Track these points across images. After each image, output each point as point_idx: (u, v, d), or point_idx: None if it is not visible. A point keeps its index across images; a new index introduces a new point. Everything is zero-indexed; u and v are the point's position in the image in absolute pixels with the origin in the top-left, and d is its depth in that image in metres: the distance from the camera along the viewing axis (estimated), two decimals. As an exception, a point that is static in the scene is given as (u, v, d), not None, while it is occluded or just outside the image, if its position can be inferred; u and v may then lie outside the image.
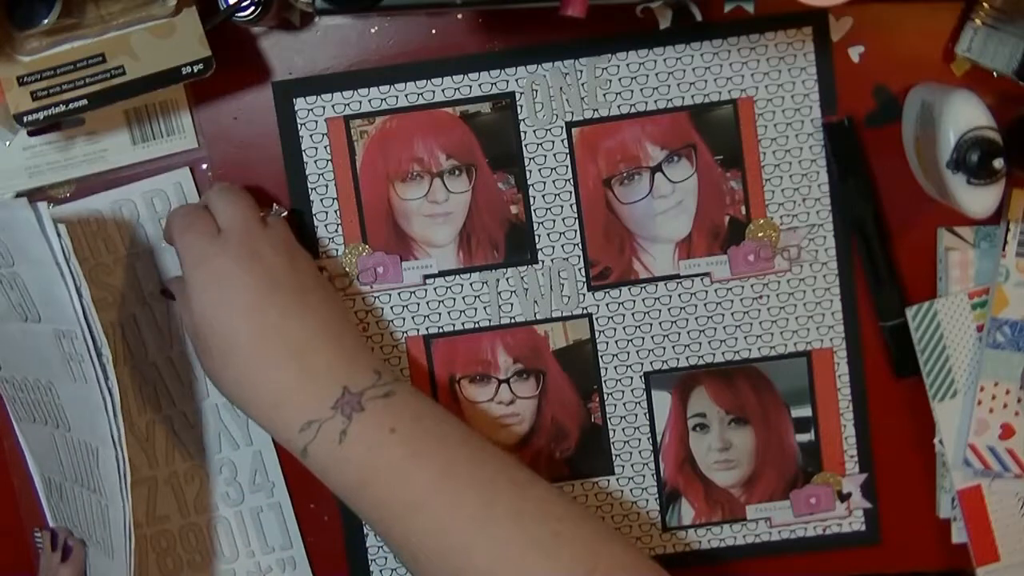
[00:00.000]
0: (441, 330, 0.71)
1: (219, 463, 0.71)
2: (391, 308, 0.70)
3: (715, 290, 0.70)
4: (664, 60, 0.68)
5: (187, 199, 0.69)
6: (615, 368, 0.71)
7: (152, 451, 0.70)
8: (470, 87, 0.69)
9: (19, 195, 0.68)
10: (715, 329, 0.71)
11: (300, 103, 0.69)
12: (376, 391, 0.61)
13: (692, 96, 0.69)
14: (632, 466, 0.72)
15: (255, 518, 0.72)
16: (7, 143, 0.68)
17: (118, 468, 0.62)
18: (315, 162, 0.69)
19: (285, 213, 0.67)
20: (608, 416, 0.71)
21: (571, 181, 0.69)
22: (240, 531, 0.72)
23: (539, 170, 0.69)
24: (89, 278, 0.62)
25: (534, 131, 0.69)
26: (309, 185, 0.69)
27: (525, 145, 0.69)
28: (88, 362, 0.61)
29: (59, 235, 0.60)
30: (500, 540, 0.58)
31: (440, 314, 0.70)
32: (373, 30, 0.68)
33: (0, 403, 0.71)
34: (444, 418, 0.62)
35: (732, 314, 0.70)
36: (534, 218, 0.70)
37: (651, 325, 0.71)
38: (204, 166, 0.69)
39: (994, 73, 0.67)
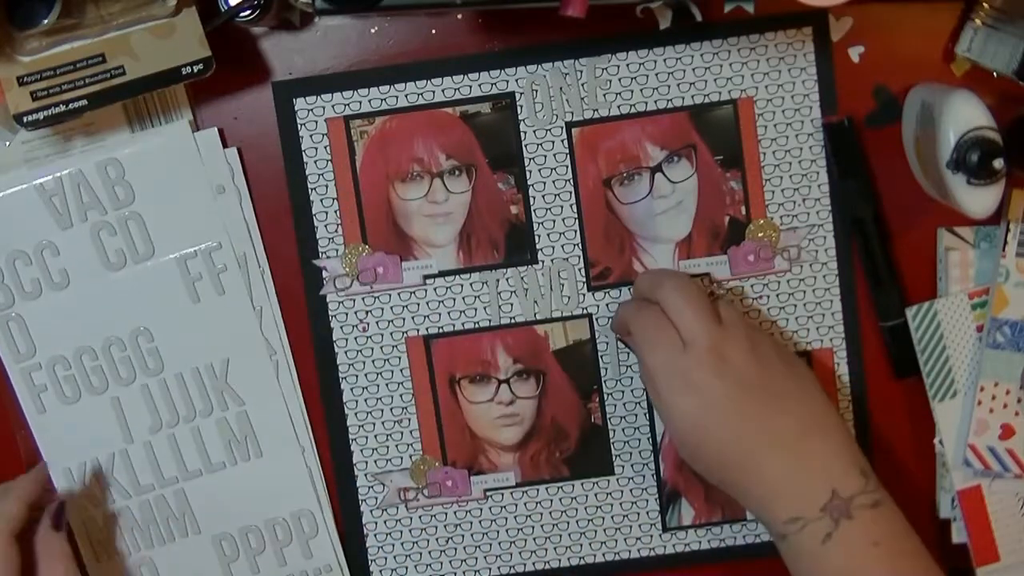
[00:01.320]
0: (441, 330, 0.71)
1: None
2: (391, 308, 0.70)
3: (715, 290, 0.70)
4: (664, 60, 0.68)
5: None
6: (615, 368, 0.71)
7: None
8: (470, 87, 0.69)
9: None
10: (715, 329, 0.71)
11: (300, 103, 0.69)
12: (865, 499, 0.61)
13: (692, 96, 0.69)
14: (632, 466, 0.72)
15: None
16: (7, 143, 0.68)
17: (269, 356, 0.69)
18: (315, 162, 0.69)
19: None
20: (608, 416, 0.71)
21: (571, 181, 0.69)
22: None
23: (539, 170, 0.69)
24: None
25: (534, 131, 0.69)
26: (309, 185, 0.69)
27: (525, 145, 0.69)
28: (232, 269, 0.68)
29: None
30: None
31: (440, 314, 0.70)
32: (373, 30, 0.68)
33: (10, 396, 0.71)
34: (919, 543, 0.62)
35: (732, 314, 0.70)
36: (534, 218, 0.70)
37: (651, 325, 0.70)
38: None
39: (994, 73, 0.67)
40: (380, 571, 0.73)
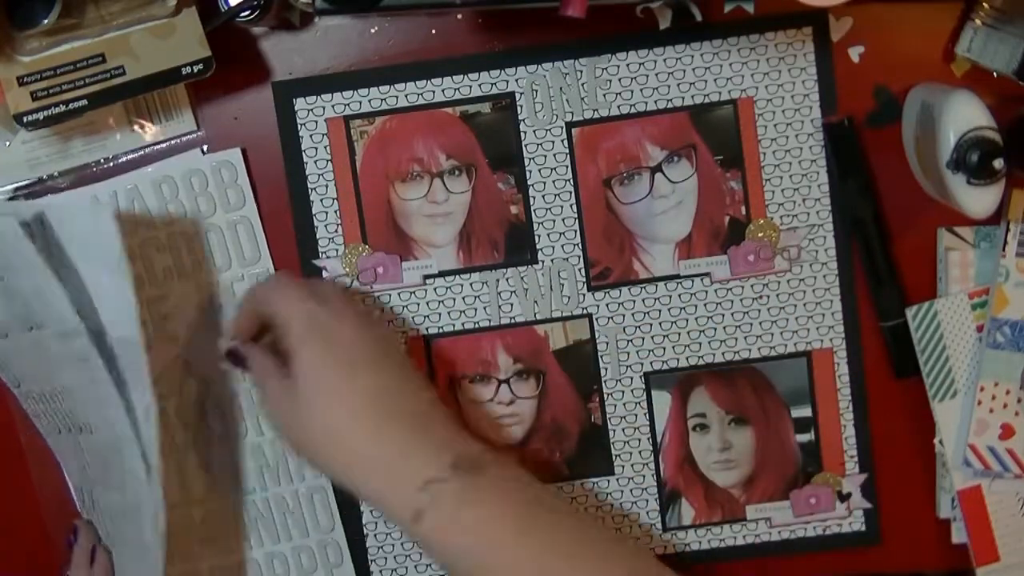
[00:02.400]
0: (441, 330, 0.71)
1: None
2: (391, 308, 0.70)
3: (715, 290, 0.70)
4: (664, 60, 0.68)
5: (203, 180, 0.69)
6: (615, 368, 0.71)
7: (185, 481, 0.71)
8: (470, 87, 0.69)
9: (18, 190, 0.68)
10: (715, 329, 0.71)
11: (300, 103, 0.69)
12: (489, 455, 0.61)
13: (692, 96, 0.69)
14: (632, 466, 0.72)
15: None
16: (7, 143, 0.68)
17: (145, 461, 0.63)
18: (315, 162, 0.69)
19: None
20: (608, 416, 0.71)
21: (571, 181, 0.69)
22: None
23: (539, 170, 0.69)
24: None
25: (534, 131, 0.69)
26: (309, 185, 0.69)
27: (525, 145, 0.69)
28: (95, 358, 0.62)
29: (34, 231, 0.61)
30: None
31: (440, 314, 0.70)
32: (373, 30, 0.68)
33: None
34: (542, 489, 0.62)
35: (732, 314, 0.70)
36: (534, 218, 0.70)
37: (651, 325, 0.70)
38: (205, 148, 0.69)
39: (994, 73, 0.67)
40: (380, 571, 0.72)
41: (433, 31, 0.68)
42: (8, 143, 0.68)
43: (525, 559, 0.58)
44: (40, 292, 0.62)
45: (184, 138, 0.69)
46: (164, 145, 0.69)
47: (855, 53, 0.69)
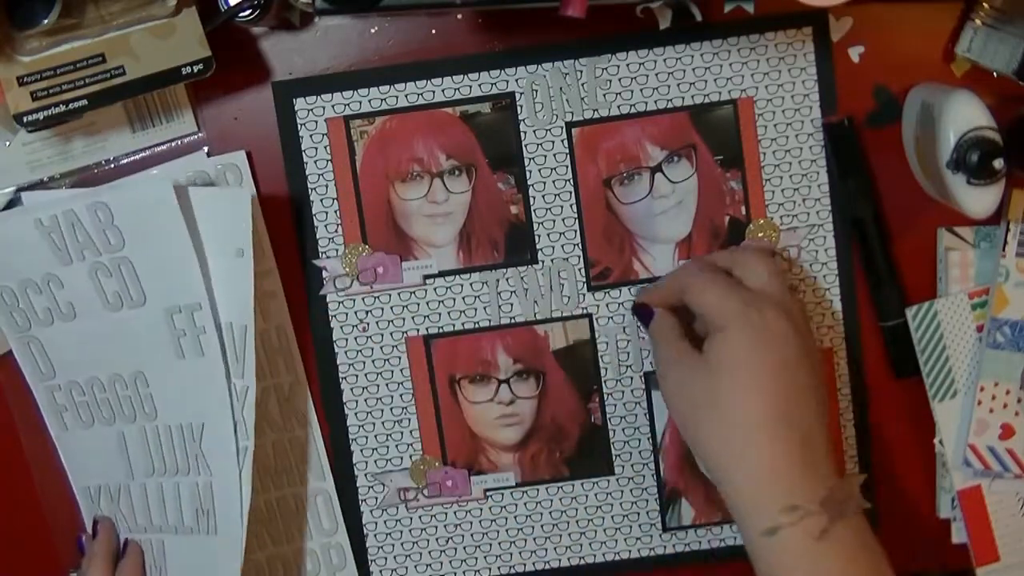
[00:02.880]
0: (441, 330, 0.71)
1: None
2: (391, 308, 0.70)
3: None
4: (664, 60, 0.68)
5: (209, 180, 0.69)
6: (615, 368, 0.71)
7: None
8: (470, 87, 0.69)
9: (19, 190, 0.68)
10: (715, 329, 0.71)
11: (300, 103, 0.69)
12: (857, 503, 0.60)
13: (692, 96, 0.69)
14: (632, 466, 0.72)
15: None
16: (7, 143, 0.68)
17: (235, 437, 0.65)
18: (315, 162, 0.69)
19: None
20: (608, 416, 0.71)
21: (571, 181, 0.69)
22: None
23: (539, 170, 0.69)
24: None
25: (534, 131, 0.69)
26: (309, 185, 0.69)
27: (525, 145, 0.69)
28: (211, 333, 0.65)
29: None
30: None
31: (440, 314, 0.70)
32: (373, 30, 0.68)
33: (36, 416, 0.71)
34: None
35: (732, 314, 0.70)
36: (534, 218, 0.70)
37: (651, 325, 0.70)
38: (207, 149, 0.69)
39: (994, 73, 0.67)
40: (380, 571, 0.73)
41: (433, 31, 0.68)
42: (8, 143, 0.68)
43: None
44: (168, 265, 0.65)
45: (185, 139, 0.69)
46: (165, 147, 0.69)
47: (855, 53, 0.69)
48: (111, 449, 0.69)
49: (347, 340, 0.70)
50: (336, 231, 0.70)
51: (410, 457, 0.71)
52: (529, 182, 0.69)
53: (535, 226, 0.70)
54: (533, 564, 0.73)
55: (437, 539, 0.72)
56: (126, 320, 0.67)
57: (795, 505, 0.58)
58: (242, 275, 0.65)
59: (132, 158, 0.69)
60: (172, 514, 0.68)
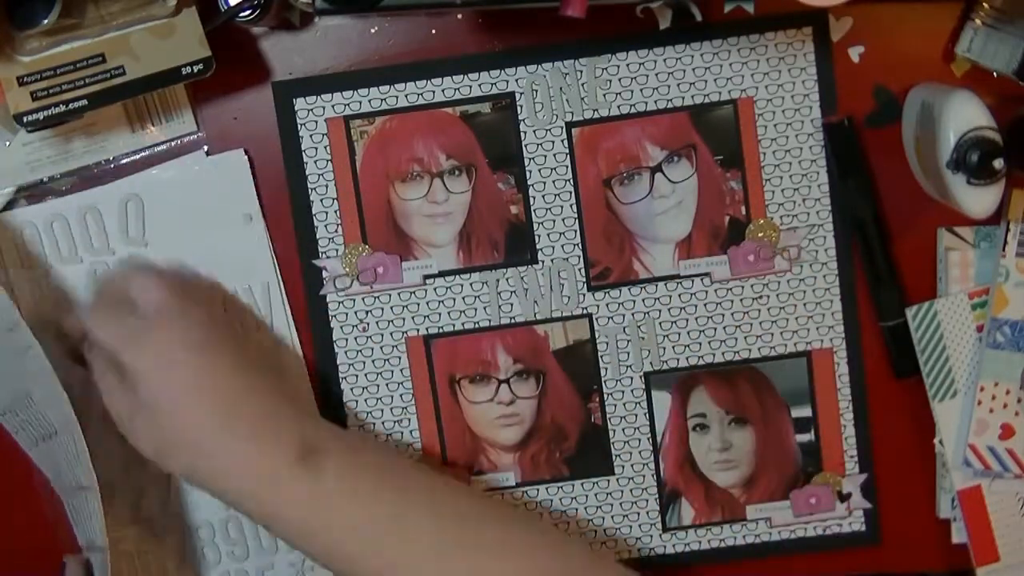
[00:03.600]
0: (441, 330, 0.71)
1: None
2: (391, 308, 0.70)
3: (715, 290, 0.70)
4: (664, 60, 0.68)
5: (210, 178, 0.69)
6: (615, 368, 0.71)
7: None
8: (470, 87, 0.69)
9: (19, 190, 0.68)
10: (715, 329, 0.71)
11: (300, 103, 0.69)
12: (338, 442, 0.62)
13: (692, 96, 0.69)
14: (632, 466, 0.72)
15: None
16: (7, 143, 0.68)
17: (77, 450, 0.63)
18: (315, 162, 0.69)
19: None
20: (608, 416, 0.71)
21: (571, 181, 0.69)
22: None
23: (539, 170, 0.69)
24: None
25: (534, 131, 0.69)
26: (309, 185, 0.69)
27: (525, 145, 0.69)
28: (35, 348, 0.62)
29: None
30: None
31: (440, 314, 0.70)
32: (373, 30, 0.68)
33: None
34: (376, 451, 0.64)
35: (732, 314, 0.70)
36: (534, 218, 0.70)
37: (651, 325, 0.71)
38: (207, 149, 0.69)
39: (994, 73, 0.67)
40: (380, 571, 0.73)
41: (433, 31, 0.68)
42: (8, 143, 0.68)
43: (383, 515, 0.60)
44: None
45: (184, 139, 0.69)
46: (164, 147, 0.69)
47: (855, 53, 0.69)
48: (53, 461, 0.68)
49: (347, 340, 0.70)
50: (336, 231, 0.70)
51: (410, 457, 0.71)
52: (529, 182, 0.69)
53: (535, 226, 0.70)
54: (533, 564, 0.72)
55: (437, 539, 0.72)
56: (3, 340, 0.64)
57: (275, 469, 0.59)
58: (255, 238, 0.68)
59: (132, 158, 0.69)
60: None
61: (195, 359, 0.61)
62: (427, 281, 0.70)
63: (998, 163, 0.62)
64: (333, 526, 0.60)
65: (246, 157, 0.69)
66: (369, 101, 0.69)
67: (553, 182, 0.69)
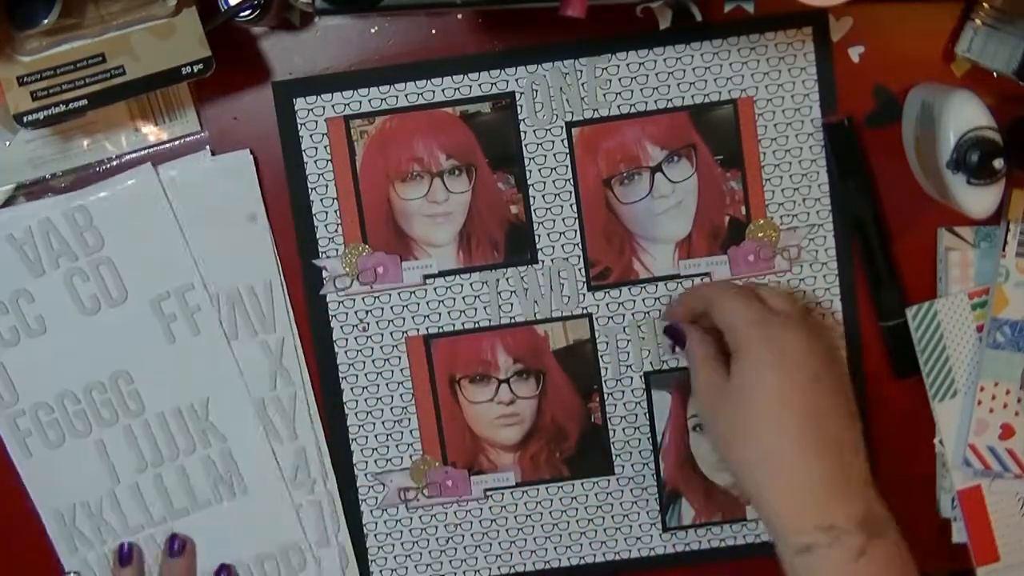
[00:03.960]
0: (441, 330, 0.71)
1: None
2: (391, 308, 0.70)
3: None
4: (664, 60, 0.68)
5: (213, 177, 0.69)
6: (615, 368, 0.71)
7: None
8: (470, 87, 0.69)
9: (19, 187, 0.68)
10: (715, 329, 0.71)
11: (300, 103, 0.69)
12: (892, 523, 0.59)
13: (692, 96, 0.69)
14: (632, 466, 0.72)
15: None
16: (7, 143, 0.68)
17: (249, 395, 0.69)
18: (315, 162, 0.69)
19: None
20: (608, 416, 0.71)
21: (571, 181, 0.69)
22: None
23: (539, 170, 0.69)
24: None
25: (534, 131, 0.69)
26: (309, 185, 0.69)
27: (525, 145, 0.69)
28: (207, 309, 0.68)
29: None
30: None
31: (440, 314, 0.70)
32: (373, 30, 0.68)
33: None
34: None
35: (732, 314, 0.70)
36: (534, 218, 0.70)
37: (651, 325, 0.71)
38: (209, 148, 0.69)
39: (994, 73, 0.67)
40: (380, 571, 0.73)
41: (433, 31, 0.68)
42: (8, 143, 0.68)
43: None
44: (154, 254, 0.68)
45: (187, 139, 0.69)
46: (167, 146, 0.69)
47: (855, 53, 0.68)
48: (88, 461, 0.70)
49: (347, 340, 0.70)
50: (336, 231, 0.70)
51: (410, 457, 0.72)
52: (529, 182, 0.69)
53: (535, 226, 0.70)
54: (533, 564, 0.73)
55: (437, 539, 0.72)
56: (105, 322, 0.68)
57: (831, 525, 0.57)
58: (258, 237, 0.69)
59: (134, 156, 0.69)
60: (178, 498, 0.70)
61: (811, 376, 0.60)
62: (427, 281, 0.70)
63: (998, 163, 0.62)
64: None
65: (251, 157, 0.69)
66: (369, 101, 0.69)
67: (553, 182, 0.69)
